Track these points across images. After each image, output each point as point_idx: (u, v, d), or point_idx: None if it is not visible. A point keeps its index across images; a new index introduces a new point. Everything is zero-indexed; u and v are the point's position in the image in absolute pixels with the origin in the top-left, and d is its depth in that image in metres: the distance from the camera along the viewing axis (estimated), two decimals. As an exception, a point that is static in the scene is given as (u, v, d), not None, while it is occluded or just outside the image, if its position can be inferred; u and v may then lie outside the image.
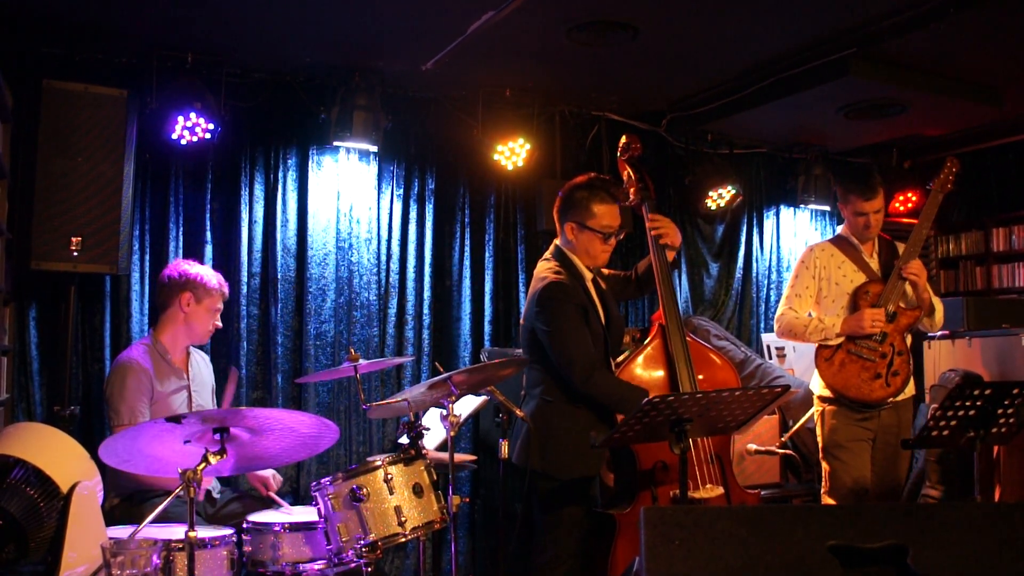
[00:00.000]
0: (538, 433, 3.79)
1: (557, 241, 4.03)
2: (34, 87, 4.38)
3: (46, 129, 4.36)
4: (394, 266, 5.73)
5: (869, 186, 4.39)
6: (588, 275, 3.97)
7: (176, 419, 2.95)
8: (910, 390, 4.46)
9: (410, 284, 5.76)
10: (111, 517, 3.78)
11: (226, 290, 4.39)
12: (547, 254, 4.02)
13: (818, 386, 4.50)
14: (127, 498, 3.99)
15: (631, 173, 4.20)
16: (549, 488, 3.84)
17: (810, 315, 4.52)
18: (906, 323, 4.38)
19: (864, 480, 4.37)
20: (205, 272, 4.34)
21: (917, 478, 5.60)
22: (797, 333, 4.48)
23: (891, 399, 4.36)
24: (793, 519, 2.37)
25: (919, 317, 4.42)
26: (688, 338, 4.01)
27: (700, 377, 3.95)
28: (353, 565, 3.48)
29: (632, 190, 4.18)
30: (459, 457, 4.42)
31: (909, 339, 4.47)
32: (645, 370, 3.97)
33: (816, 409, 4.55)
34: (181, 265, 4.36)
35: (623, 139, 4.23)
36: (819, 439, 4.51)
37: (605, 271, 4.21)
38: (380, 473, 3.51)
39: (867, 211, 4.42)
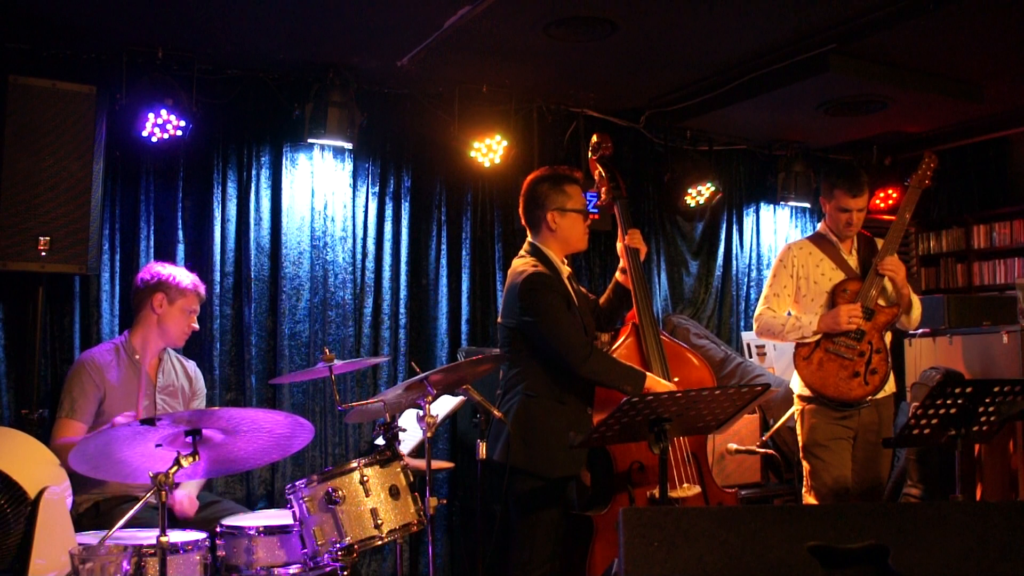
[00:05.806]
0: (520, 430, 3.76)
1: (530, 239, 4.00)
2: (-1, 83, 4.30)
3: (12, 126, 4.27)
4: (369, 265, 5.66)
5: (857, 183, 4.37)
6: (565, 271, 3.97)
7: (150, 422, 2.91)
8: (890, 388, 4.45)
9: (386, 283, 5.69)
10: (80, 522, 3.72)
11: (202, 291, 4.34)
12: (522, 251, 4.01)
13: (797, 385, 4.49)
14: (96, 503, 3.93)
15: (603, 172, 4.24)
16: (528, 488, 3.80)
17: (789, 314, 4.50)
18: (884, 320, 4.36)
19: (845, 479, 4.35)
20: (178, 272, 4.29)
21: (899, 476, 5.60)
22: (775, 332, 4.46)
23: (870, 397, 4.34)
24: (773, 520, 2.35)
25: (897, 314, 4.40)
26: (663, 337, 4.00)
27: (676, 379, 3.94)
28: (329, 569, 3.45)
29: (604, 189, 4.21)
30: (435, 464, 4.38)
31: (889, 337, 4.45)
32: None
33: (796, 408, 4.53)
34: (154, 267, 4.31)
35: (594, 138, 4.26)
36: (799, 438, 4.49)
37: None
38: (356, 475, 3.47)
39: (851, 208, 4.40)
